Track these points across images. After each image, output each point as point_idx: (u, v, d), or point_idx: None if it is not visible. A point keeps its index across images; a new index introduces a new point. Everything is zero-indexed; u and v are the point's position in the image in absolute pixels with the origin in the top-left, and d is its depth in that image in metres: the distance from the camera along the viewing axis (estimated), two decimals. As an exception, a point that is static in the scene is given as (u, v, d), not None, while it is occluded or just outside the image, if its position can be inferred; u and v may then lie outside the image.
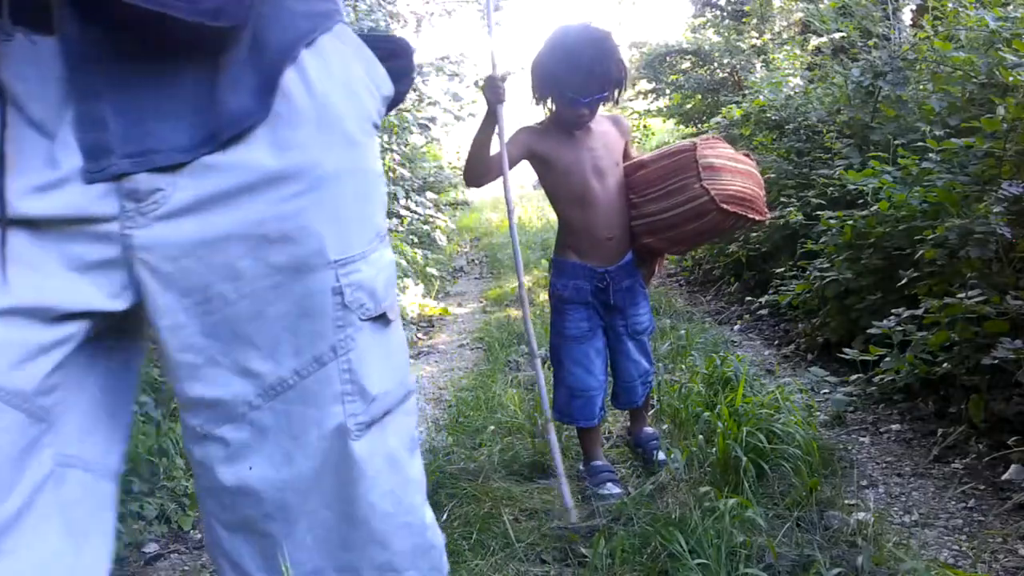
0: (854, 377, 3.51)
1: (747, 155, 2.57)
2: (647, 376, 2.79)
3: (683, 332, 4.48)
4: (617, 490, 2.56)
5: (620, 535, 2.15)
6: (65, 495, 0.87)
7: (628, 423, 3.05)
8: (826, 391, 3.53)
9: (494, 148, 2.52)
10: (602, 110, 2.58)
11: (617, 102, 2.59)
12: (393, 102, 1.13)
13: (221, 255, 0.87)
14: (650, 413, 3.08)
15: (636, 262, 2.68)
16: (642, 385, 2.77)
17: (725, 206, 2.36)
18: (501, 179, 2.53)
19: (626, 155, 2.65)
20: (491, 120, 2.46)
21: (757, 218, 2.48)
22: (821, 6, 7.29)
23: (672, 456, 2.68)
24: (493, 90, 2.40)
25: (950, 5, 4.74)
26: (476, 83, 5.44)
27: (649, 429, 2.93)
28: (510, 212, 2.56)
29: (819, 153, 5.37)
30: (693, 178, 2.39)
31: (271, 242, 0.89)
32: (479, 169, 2.51)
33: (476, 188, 2.77)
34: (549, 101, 2.53)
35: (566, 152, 2.52)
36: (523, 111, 2.63)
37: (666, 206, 2.46)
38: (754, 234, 5.76)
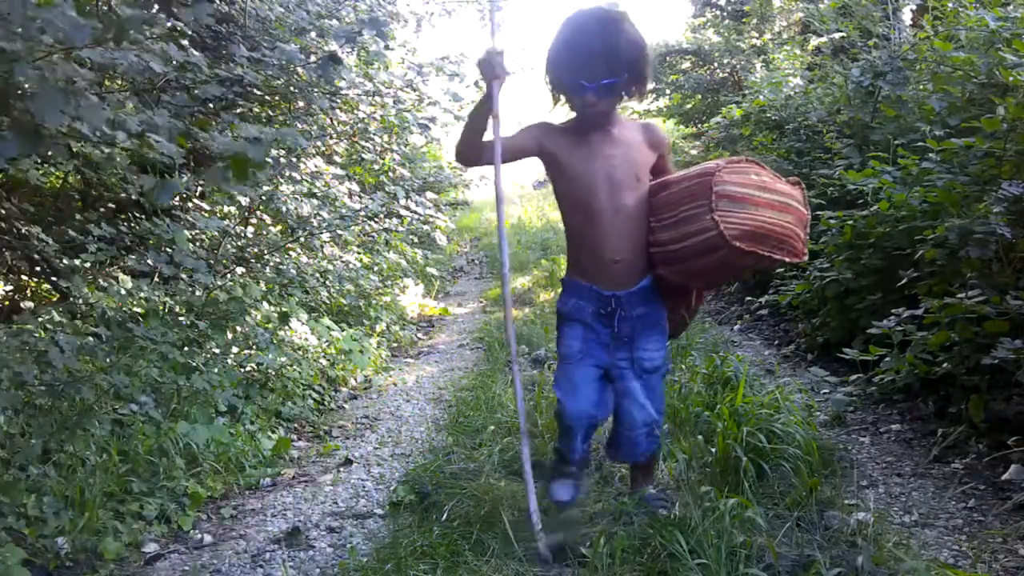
0: (854, 377, 3.51)
1: (796, 183, 2.21)
2: (653, 426, 2.36)
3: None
4: (567, 496, 2.38)
5: (620, 535, 2.15)
6: None
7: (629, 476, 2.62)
8: (826, 391, 3.53)
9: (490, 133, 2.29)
10: (632, 116, 2.36)
11: (641, 94, 2.26)
12: None
13: None
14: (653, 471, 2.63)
15: (662, 293, 2.34)
16: (646, 437, 2.36)
17: (737, 244, 2.04)
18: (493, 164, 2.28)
19: (662, 170, 2.34)
20: (489, 98, 2.22)
21: (787, 260, 2.13)
22: (821, 6, 7.29)
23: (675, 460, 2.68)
24: (488, 64, 2.18)
25: (950, 5, 4.74)
26: (476, 83, 5.43)
27: (653, 490, 2.48)
28: (499, 198, 2.32)
29: (819, 153, 5.37)
30: (705, 208, 2.08)
31: None
32: (471, 148, 2.28)
33: (466, 166, 2.54)
34: (564, 99, 2.26)
35: (578, 157, 2.24)
36: (545, 114, 2.40)
37: (676, 236, 2.16)
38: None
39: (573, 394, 2.28)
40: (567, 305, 2.34)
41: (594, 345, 2.30)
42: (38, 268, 3.78)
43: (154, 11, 1.98)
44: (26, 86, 1.72)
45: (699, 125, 10.47)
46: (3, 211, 3.63)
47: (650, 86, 2.29)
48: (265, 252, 4.49)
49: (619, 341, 2.30)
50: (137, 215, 4.08)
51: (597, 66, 2.12)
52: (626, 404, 2.33)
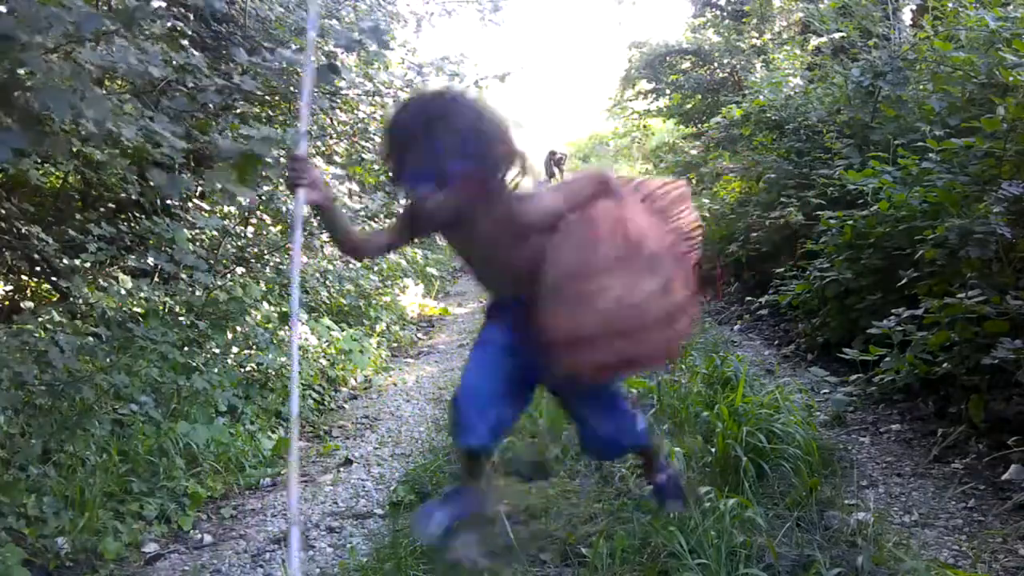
0: (854, 377, 3.51)
1: (683, 195, 1.91)
2: (616, 429, 2.08)
3: (683, 332, 4.48)
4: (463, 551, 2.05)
5: (620, 535, 2.15)
6: None
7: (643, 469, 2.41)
8: (826, 391, 3.53)
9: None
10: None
11: (508, 170, 1.82)
12: None
13: None
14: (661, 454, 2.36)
15: None
16: (616, 436, 2.09)
17: (572, 356, 1.75)
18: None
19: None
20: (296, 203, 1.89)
21: (643, 366, 1.92)
22: (821, 6, 7.29)
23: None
24: (290, 169, 1.85)
25: (950, 5, 4.74)
26: (476, 83, 5.43)
27: (662, 477, 2.23)
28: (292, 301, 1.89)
29: (819, 153, 5.37)
30: (543, 296, 1.79)
31: None
32: (346, 250, 2.26)
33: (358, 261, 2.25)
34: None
35: (453, 236, 2.01)
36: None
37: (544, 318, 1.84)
38: (754, 234, 5.76)
39: (478, 373, 1.98)
40: (493, 307, 2.11)
41: (509, 341, 2.01)
42: (38, 268, 3.78)
43: (156, 5, 1.99)
44: (28, 84, 1.73)
45: (699, 125, 10.48)
46: (3, 211, 3.63)
47: (519, 162, 1.80)
48: (265, 252, 4.49)
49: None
50: (137, 215, 4.08)
51: (433, 155, 1.73)
52: (578, 411, 2.12)
